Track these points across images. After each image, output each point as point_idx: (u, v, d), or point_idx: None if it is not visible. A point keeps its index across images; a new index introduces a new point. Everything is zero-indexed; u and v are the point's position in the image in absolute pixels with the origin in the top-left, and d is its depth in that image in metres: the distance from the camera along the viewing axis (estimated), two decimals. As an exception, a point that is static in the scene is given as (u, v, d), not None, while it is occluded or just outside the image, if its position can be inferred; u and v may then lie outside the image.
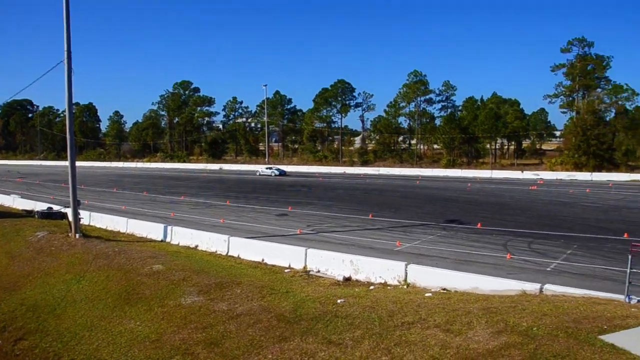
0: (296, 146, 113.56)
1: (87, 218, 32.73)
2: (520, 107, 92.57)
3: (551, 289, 14.59)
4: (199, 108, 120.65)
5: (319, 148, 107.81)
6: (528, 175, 67.93)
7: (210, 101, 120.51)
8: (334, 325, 13.27)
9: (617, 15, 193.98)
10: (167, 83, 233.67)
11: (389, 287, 17.37)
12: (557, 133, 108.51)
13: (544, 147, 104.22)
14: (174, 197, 47.45)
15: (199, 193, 51.11)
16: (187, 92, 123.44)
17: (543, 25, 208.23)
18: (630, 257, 13.43)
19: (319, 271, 20.08)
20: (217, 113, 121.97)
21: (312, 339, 12.75)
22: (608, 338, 10.32)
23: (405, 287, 17.16)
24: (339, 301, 15.25)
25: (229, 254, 23.90)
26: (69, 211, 28.08)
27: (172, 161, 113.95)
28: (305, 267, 20.63)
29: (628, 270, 13.41)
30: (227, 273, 19.93)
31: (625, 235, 25.21)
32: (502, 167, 79.95)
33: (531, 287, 14.82)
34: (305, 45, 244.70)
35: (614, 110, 79.55)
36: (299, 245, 22.08)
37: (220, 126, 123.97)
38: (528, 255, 21.72)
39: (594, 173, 65.42)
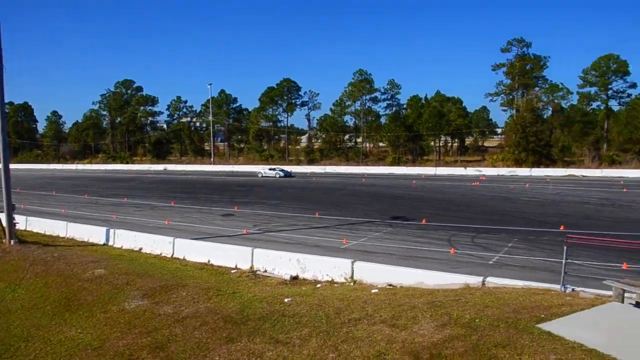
0: (242, 146, 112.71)
1: (24, 223, 31.38)
2: (463, 105, 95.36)
3: (493, 281, 15.02)
4: (142, 107, 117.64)
5: (265, 147, 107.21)
6: (471, 171, 69.72)
7: (153, 100, 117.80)
8: (281, 325, 13.19)
9: (553, 17, 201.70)
10: (108, 82, 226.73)
11: (336, 285, 17.44)
12: (499, 130, 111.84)
13: (486, 144, 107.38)
14: (117, 199, 46.20)
15: (143, 194, 49.95)
16: (129, 91, 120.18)
17: (484, 25, 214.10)
18: (565, 248, 13.96)
19: (265, 271, 19.96)
20: (160, 112, 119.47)
21: (259, 339, 12.62)
22: (545, 326, 10.69)
23: (352, 284, 17.27)
24: (286, 300, 15.18)
25: (174, 256, 23.43)
26: (2, 216, 26.82)
27: (114, 162, 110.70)
28: (252, 267, 20.46)
29: (563, 261, 13.94)
30: (172, 275, 19.53)
31: (562, 227, 26.26)
32: (446, 164, 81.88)
33: (474, 280, 15.20)
34: (249, 44, 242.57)
35: (551, 109, 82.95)
36: (246, 246, 21.89)
37: (165, 126, 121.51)
38: (471, 249, 22.28)
39: (533, 169, 67.77)
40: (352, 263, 17.86)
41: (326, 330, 12.25)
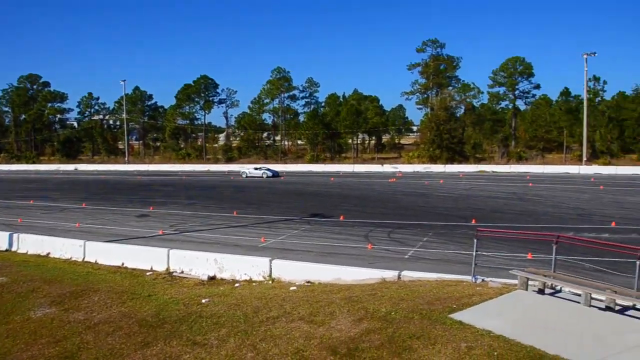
0: (158, 144, 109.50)
1: None
2: (380, 103, 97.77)
3: (408, 275, 15.40)
4: (49, 104, 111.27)
5: (182, 146, 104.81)
6: (388, 168, 71.48)
7: (62, 97, 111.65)
8: (198, 326, 12.87)
9: (466, 20, 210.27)
10: (10, 76, 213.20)
11: (254, 284, 17.26)
12: (414, 128, 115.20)
13: (402, 141, 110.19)
14: (22, 202, 43.47)
15: (52, 196, 47.28)
16: (35, 86, 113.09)
17: (400, 26, 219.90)
18: (475, 241, 14.54)
19: (182, 272, 19.43)
20: (70, 110, 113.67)
21: (176, 341, 12.25)
22: (456, 316, 11.09)
23: (270, 282, 17.16)
24: (203, 301, 14.85)
25: (86, 259, 22.29)
26: None
27: (19, 162, 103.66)
28: (168, 268, 19.85)
29: (474, 254, 14.52)
30: (83, 280, 18.57)
31: (474, 221, 27.41)
32: (364, 162, 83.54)
33: (390, 274, 15.52)
34: (165, 40, 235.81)
35: (463, 107, 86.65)
36: (161, 247, 21.22)
37: (75, 124, 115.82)
38: (388, 244, 22.75)
39: (447, 165, 70.47)
40: (270, 261, 17.74)
41: (244, 330, 12.08)
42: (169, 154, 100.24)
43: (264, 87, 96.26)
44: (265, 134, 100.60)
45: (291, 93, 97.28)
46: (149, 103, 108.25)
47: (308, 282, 16.43)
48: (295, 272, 17.21)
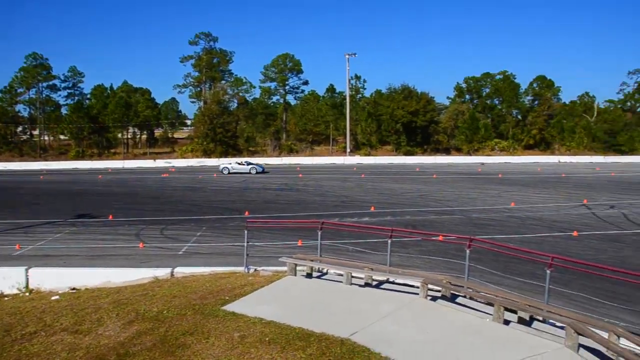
0: None
1: None
2: (152, 96, 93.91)
3: (181, 271, 15.18)
4: None
5: None
6: (161, 163, 69.43)
7: None
8: None
9: (239, 14, 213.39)
10: None
11: (6, 298, 15.30)
12: (188, 122, 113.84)
13: (176, 135, 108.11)
14: None
15: None
16: None
17: (172, 16, 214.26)
18: (246, 232, 14.93)
19: None
20: None
21: None
22: (229, 307, 11.29)
23: (27, 294, 15.39)
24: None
25: None
26: None
27: None
28: None
29: (245, 244, 14.91)
30: None
31: (247, 213, 28.14)
32: (135, 157, 79.69)
33: (163, 272, 15.12)
34: None
35: (236, 101, 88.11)
36: None
37: None
38: (161, 241, 22.13)
39: (221, 159, 70.93)
40: (27, 270, 15.89)
41: (-7, 353, 10.66)
42: None
43: (17, 74, 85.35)
44: (19, 128, 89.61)
45: (51, 83, 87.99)
46: None
47: (73, 289, 15.15)
48: (57, 279, 15.69)
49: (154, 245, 21.38)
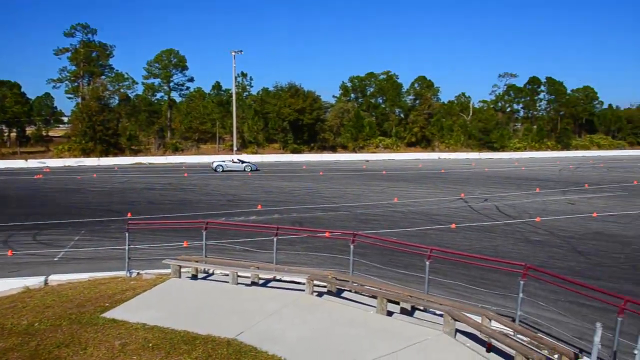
0: None
1: None
2: (22, 90, 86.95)
3: (56, 279, 14.27)
4: None
5: None
6: (33, 164, 64.51)
7: None
8: None
9: (119, 7, 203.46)
10: None
11: None
12: (65, 119, 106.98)
13: (51, 133, 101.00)
14: None
15: None
16: None
17: (45, 3, 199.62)
18: (127, 234, 14.30)
19: None
20: None
21: None
22: (109, 314, 10.77)
23: None
24: None
25: None
26: None
27: None
28: None
29: (127, 247, 14.31)
30: None
31: (129, 214, 26.95)
32: (3, 157, 73.38)
33: (35, 281, 14.10)
34: None
35: (117, 98, 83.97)
36: None
37: None
38: (33, 248, 20.53)
39: (101, 158, 67.53)
40: None
41: None
42: None
43: None
44: None
45: None
46: None
47: None
48: None
49: (25, 252, 19.77)
